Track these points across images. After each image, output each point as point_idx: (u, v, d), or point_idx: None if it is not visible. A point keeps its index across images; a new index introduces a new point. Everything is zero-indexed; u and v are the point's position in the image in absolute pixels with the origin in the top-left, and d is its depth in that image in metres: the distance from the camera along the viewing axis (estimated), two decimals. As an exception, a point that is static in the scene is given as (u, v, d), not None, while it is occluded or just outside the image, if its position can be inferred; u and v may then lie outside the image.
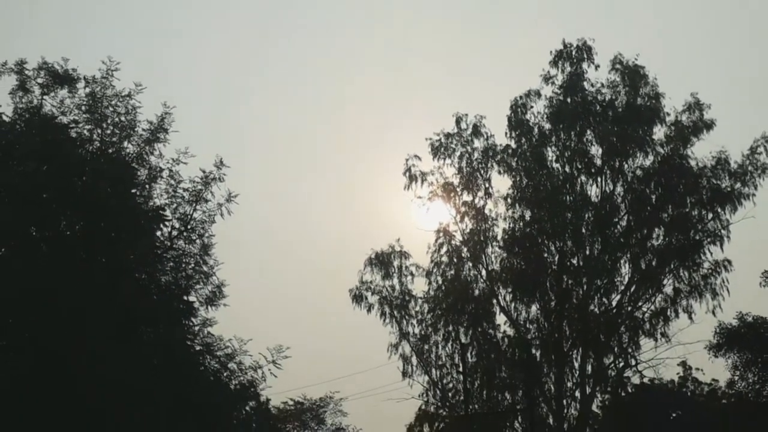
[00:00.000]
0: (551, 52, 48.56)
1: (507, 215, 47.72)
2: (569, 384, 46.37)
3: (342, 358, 76.89)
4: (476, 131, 48.56)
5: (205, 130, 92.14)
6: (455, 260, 47.74)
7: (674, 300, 45.96)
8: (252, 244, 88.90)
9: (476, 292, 47.55)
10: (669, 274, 46.38)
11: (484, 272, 47.64)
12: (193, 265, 26.78)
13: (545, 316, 46.89)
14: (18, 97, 26.54)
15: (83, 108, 26.29)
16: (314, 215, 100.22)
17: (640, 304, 46.69)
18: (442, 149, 48.32)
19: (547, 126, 48.12)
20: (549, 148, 48.07)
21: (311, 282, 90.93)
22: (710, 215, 46.33)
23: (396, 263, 48.48)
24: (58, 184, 23.84)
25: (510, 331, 47.22)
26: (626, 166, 47.29)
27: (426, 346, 47.59)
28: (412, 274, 48.45)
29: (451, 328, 47.32)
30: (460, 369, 45.85)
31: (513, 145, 48.28)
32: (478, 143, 48.49)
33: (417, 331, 47.88)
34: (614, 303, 46.74)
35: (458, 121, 48.70)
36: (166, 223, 26.36)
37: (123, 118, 26.50)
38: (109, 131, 26.41)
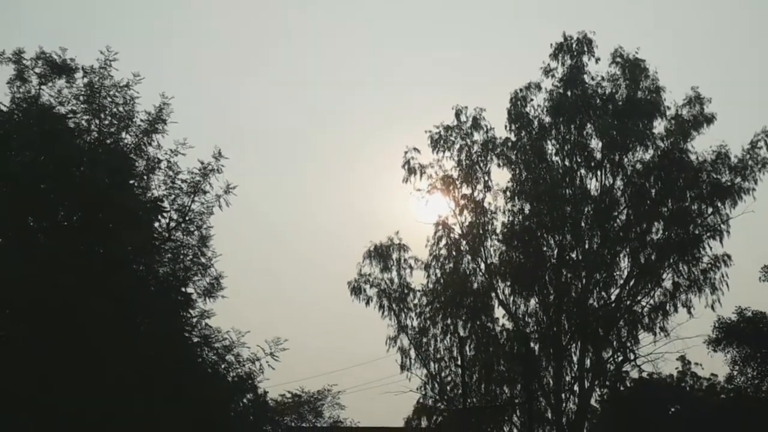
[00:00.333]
0: (551, 44, 48.62)
1: (506, 208, 47.80)
2: (568, 378, 46.43)
3: (340, 351, 76.82)
4: (476, 124, 48.52)
5: (204, 122, 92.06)
6: (454, 253, 47.72)
7: (673, 294, 45.99)
8: (250, 236, 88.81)
9: (475, 285, 47.57)
10: (668, 269, 46.41)
11: (483, 265, 47.62)
12: (191, 256, 26.64)
13: (544, 310, 46.88)
14: (15, 86, 26.34)
15: (81, 98, 26.10)
16: (313, 207, 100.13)
17: (639, 298, 46.74)
18: (442, 142, 48.29)
19: (547, 119, 48.09)
20: (549, 142, 48.06)
21: (309, 274, 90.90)
22: (710, 209, 46.34)
23: (395, 256, 48.48)
24: (56, 175, 23.70)
25: (509, 325, 47.27)
26: (626, 159, 47.28)
27: (424, 340, 47.59)
28: (410, 267, 48.50)
29: (449, 321, 47.32)
30: (459, 362, 45.83)
31: (513, 138, 48.27)
32: (478, 136, 48.52)
33: (415, 324, 47.92)
34: (613, 297, 46.79)
35: (458, 114, 48.69)
36: (164, 214, 26.18)
37: (121, 109, 26.29)
38: (107, 122, 26.23)
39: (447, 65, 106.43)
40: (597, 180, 47.41)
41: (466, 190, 48.02)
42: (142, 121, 26.54)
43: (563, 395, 46.20)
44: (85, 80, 26.33)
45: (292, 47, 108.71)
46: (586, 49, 48.37)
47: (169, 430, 22.82)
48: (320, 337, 78.73)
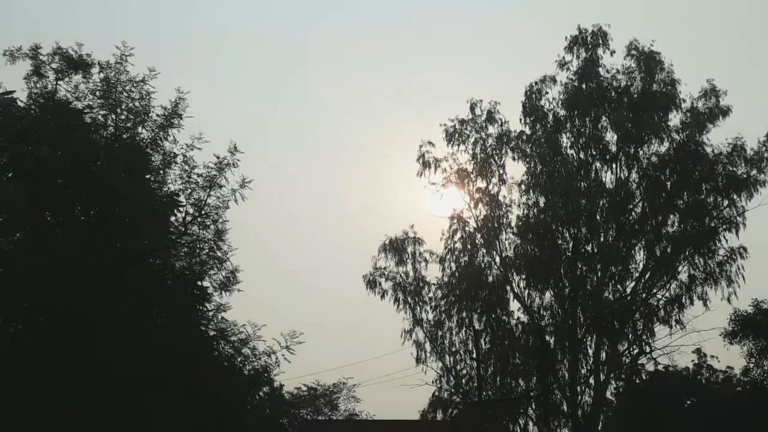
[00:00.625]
0: (566, 37, 48.46)
1: (521, 202, 47.74)
2: (583, 371, 46.35)
3: (356, 344, 77.06)
4: (490, 117, 48.44)
5: (220, 117, 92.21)
6: (469, 247, 47.71)
7: (689, 287, 45.88)
8: (266, 231, 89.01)
9: (490, 278, 47.55)
10: (684, 261, 46.30)
11: (497, 259, 47.62)
12: (207, 250, 26.75)
13: (559, 303, 46.84)
14: (32, 82, 26.45)
15: (97, 93, 26.19)
16: (328, 201, 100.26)
17: (654, 291, 46.63)
18: (456, 135, 48.25)
19: (562, 112, 47.98)
20: (564, 135, 47.95)
21: (325, 268, 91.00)
22: (726, 202, 46.21)
23: (410, 249, 48.53)
24: (73, 170, 23.80)
25: (524, 318, 47.26)
26: (641, 152, 47.15)
27: (440, 333, 47.61)
28: (425, 260, 48.51)
29: (464, 314, 47.33)
30: (474, 355, 45.83)
31: (527, 131, 48.22)
32: (493, 129, 48.45)
33: (430, 317, 47.95)
34: (629, 290, 46.70)
35: (473, 107, 48.63)
36: (180, 208, 26.30)
37: (137, 104, 26.39)
38: (123, 117, 26.33)
39: (462, 58, 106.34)
40: (612, 173, 47.33)
41: (480, 184, 48.02)
42: (158, 116, 26.63)
43: (578, 388, 46.15)
44: (102, 75, 26.42)
45: (309, 42, 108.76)
46: (601, 41, 48.22)
47: (184, 423, 22.94)
48: (336, 331, 78.97)
